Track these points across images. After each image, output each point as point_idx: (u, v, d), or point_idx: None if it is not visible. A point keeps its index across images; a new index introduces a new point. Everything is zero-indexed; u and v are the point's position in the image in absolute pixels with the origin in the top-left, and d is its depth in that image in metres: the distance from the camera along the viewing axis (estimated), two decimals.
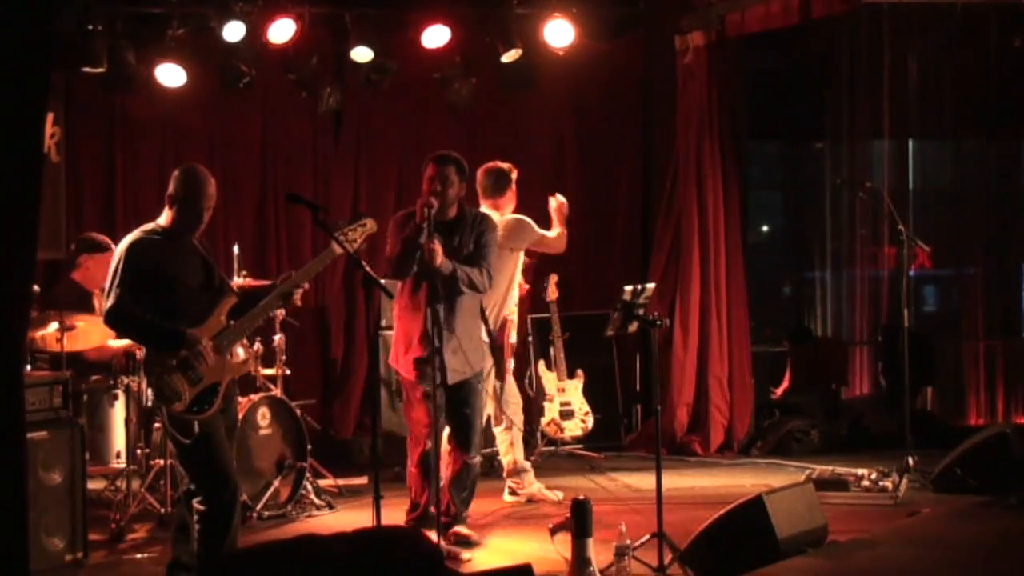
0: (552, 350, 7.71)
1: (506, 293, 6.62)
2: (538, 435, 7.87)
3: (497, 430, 6.98)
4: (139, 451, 6.54)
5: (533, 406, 7.83)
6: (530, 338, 8.43)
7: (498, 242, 6.11)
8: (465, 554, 5.74)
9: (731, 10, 8.59)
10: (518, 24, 8.35)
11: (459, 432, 5.87)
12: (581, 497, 5.04)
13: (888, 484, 6.78)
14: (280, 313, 6.65)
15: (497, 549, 5.95)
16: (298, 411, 6.90)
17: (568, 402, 7.71)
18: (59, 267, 7.91)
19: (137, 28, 7.97)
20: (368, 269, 5.12)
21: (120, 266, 4.80)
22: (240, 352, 6.09)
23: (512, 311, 6.85)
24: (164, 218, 4.94)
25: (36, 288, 5.76)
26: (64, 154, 8.20)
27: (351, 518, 6.56)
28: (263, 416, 6.68)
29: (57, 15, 7.01)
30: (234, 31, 7.81)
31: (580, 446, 8.20)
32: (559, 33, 8.38)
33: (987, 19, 9.29)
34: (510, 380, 7.03)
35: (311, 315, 8.64)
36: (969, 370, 9.90)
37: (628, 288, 7.38)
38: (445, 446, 5.95)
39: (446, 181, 5.75)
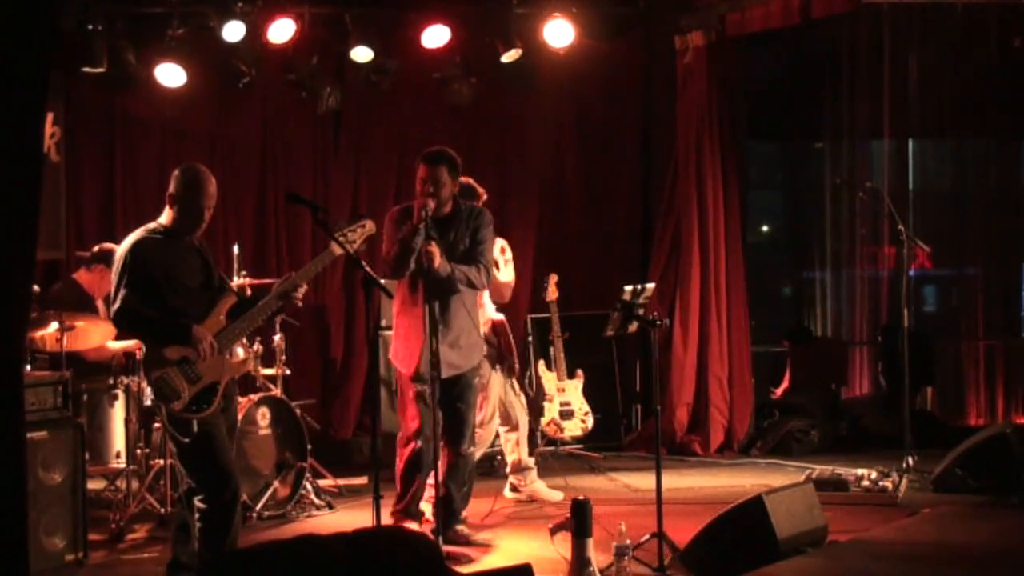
0: (552, 350, 7.71)
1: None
2: (538, 435, 7.87)
3: (502, 429, 6.98)
4: (139, 451, 6.54)
5: (533, 406, 7.82)
6: (530, 338, 8.44)
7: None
8: (463, 554, 5.74)
9: (731, 10, 8.60)
10: (518, 24, 8.35)
11: (453, 426, 5.86)
12: (581, 497, 5.04)
13: (888, 484, 6.78)
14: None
15: (497, 549, 5.95)
16: (298, 411, 6.91)
17: (568, 402, 7.71)
18: (59, 267, 7.93)
19: (137, 28, 7.96)
20: (368, 269, 5.13)
21: (125, 266, 4.80)
22: (240, 352, 6.10)
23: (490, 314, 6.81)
24: (165, 217, 4.95)
25: (36, 288, 5.76)
26: (64, 154, 8.19)
27: (351, 518, 6.56)
28: (263, 416, 6.68)
29: (57, 15, 7.01)
30: (234, 31, 7.81)
31: (580, 446, 8.20)
32: (559, 33, 8.38)
33: (987, 19, 9.29)
34: (513, 381, 7.05)
35: (311, 315, 8.64)
36: (969, 370, 9.90)
37: (628, 288, 7.38)
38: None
39: (438, 182, 5.74)
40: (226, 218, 8.36)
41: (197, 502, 4.85)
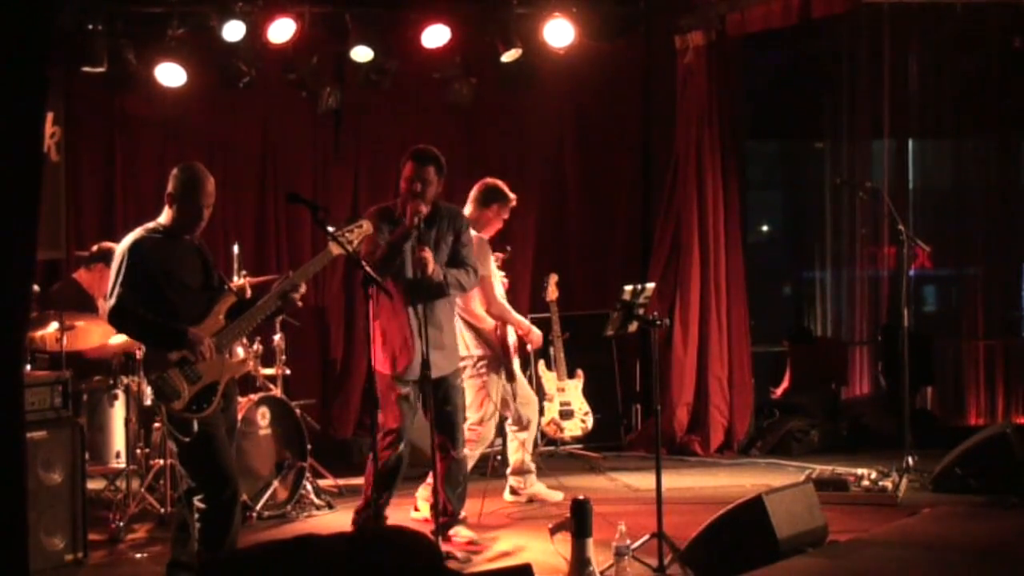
0: (552, 350, 7.70)
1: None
2: (538, 435, 7.87)
3: (512, 428, 6.97)
4: (139, 451, 6.54)
5: None
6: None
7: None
8: (462, 554, 5.74)
9: (731, 10, 8.59)
10: (518, 24, 8.35)
11: (443, 429, 5.81)
12: (581, 497, 5.04)
13: (888, 484, 6.78)
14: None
15: (497, 549, 5.95)
16: (298, 411, 6.90)
17: (568, 402, 7.70)
18: (59, 267, 7.93)
19: (137, 28, 7.96)
20: (368, 269, 5.13)
21: (123, 265, 4.80)
22: (239, 351, 6.10)
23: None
24: (164, 217, 4.95)
25: (36, 288, 5.76)
26: (64, 154, 8.19)
27: (351, 518, 6.55)
28: (263, 416, 6.68)
29: (57, 15, 7.01)
30: (234, 31, 7.81)
31: (580, 446, 8.20)
32: (559, 33, 8.38)
33: (987, 19, 9.29)
34: (524, 382, 7.03)
35: (311, 315, 8.64)
36: (969, 370, 9.90)
37: (628, 288, 7.38)
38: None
39: (426, 181, 5.72)
40: (226, 218, 8.36)
41: (197, 502, 4.85)
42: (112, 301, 4.79)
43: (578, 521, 4.96)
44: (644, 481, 7.39)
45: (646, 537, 5.27)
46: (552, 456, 8.02)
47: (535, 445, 7.78)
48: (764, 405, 9.24)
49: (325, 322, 8.91)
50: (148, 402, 6.32)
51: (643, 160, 9.58)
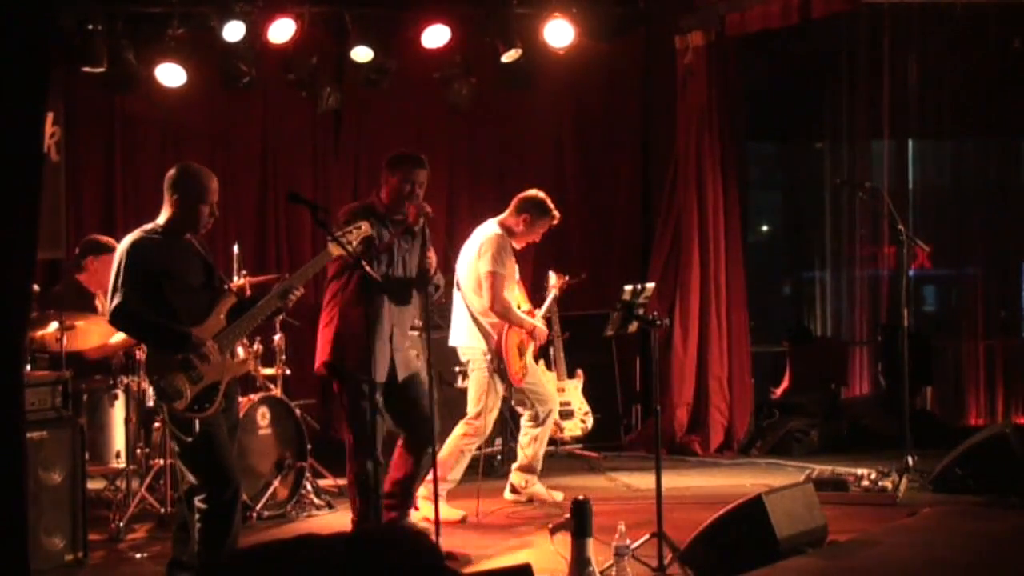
0: (552, 350, 7.70)
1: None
2: None
3: (526, 424, 6.96)
4: (139, 451, 6.54)
5: None
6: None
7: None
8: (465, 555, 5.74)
9: (731, 10, 8.59)
10: (518, 24, 8.35)
11: (420, 427, 5.77)
12: (581, 497, 5.04)
13: (888, 484, 6.78)
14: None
15: (497, 549, 5.95)
16: (298, 411, 6.90)
17: (568, 402, 7.70)
18: (59, 267, 7.92)
19: (137, 28, 7.96)
20: (368, 270, 5.14)
21: (123, 265, 4.80)
22: (240, 351, 6.10)
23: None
24: (163, 217, 4.95)
25: (36, 288, 5.76)
26: (64, 154, 8.19)
27: (351, 518, 6.55)
28: (263, 416, 6.68)
29: (57, 15, 7.01)
30: (234, 31, 7.81)
31: (580, 446, 8.20)
32: (559, 33, 8.38)
33: (987, 19, 9.28)
34: (542, 379, 7.02)
35: (311, 315, 8.61)
36: (969, 370, 9.90)
37: (628, 288, 7.38)
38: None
39: (422, 185, 5.82)
40: (226, 218, 8.35)
41: (198, 502, 4.85)
42: (114, 302, 4.79)
43: (578, 521, 4.96)
44: (644, 481, 7.39)
45: (646, 537, 5.27)
46: (552, 456, 8.01)
47: None
48: (764, 405, 9.24)
49: None
50: (150, 403, 6.33)
51: (643, 160, 9.58)
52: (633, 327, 6.81)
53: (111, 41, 7.74)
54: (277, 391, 6.91)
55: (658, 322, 5.77)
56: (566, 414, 7.68)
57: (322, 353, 5.82)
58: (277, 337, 7.00)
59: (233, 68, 8.02)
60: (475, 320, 6.66)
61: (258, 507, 6.49)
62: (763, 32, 8.58)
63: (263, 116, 8.89)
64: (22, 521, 3.22)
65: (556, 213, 6.92)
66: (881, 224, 9.84)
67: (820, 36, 9.76)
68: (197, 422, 4.75)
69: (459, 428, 6.69)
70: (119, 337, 6.49)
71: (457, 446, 6.61)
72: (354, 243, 5.15)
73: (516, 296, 6.90)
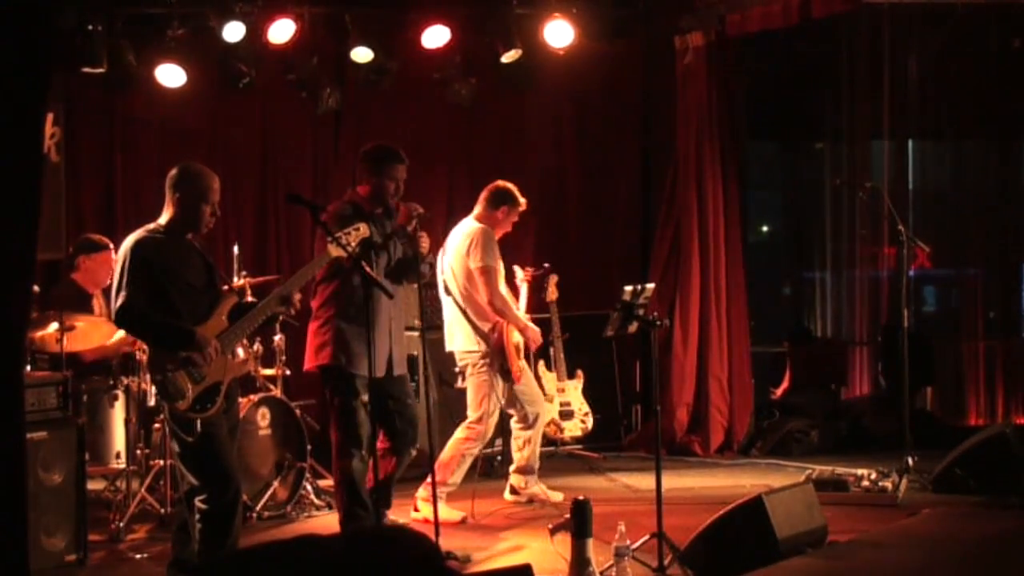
0: (552, 350, 7.70)
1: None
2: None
3: (516, 426, 6.96)
4: (139, 451, 6.54)
5: None
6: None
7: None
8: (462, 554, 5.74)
9: (731, 10, 8.60)
10: (518, 24, 8.35)
11: (406, 426, 5.81)
12: (581, 497, 5.04)
13: (888, 484, 6.78)
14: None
15: (497, 549, 5.95)
16: (298, 411, 6.90)
17: (568, 402, 7.71)
18: (59, 267, 7.92)
19: (137, 28, 7.96)
20: (368, 270, 5.14)
21: (127, 265, 4.79)
22: (240, 352, 6.10)
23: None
24: (165, 217, 4.95)
25: (36, 288, 5.76)
26: (64, 154, 8.19)
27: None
28: (263, 416, 6.68)
29: (57, 15, 7.01)
30: (234, 31, 7.81)
31: (580, 446, 8.20)
32: (559, 33, 8.38)
33: (987, 19, 9.29)
34: (532, 380, 7.02)
35: (311, 315, 8.62)
36: (969, 370, 9.90)
37: (628, 288, 7.38)
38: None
39: (404, 181, 5.87)
40: (226, 218, 8.35)
41: (198, 502, 4.84)
42: (119, 301, 4.78)
43: (578, 521, 4.96)
44: (644, 481, 7.39)
45: (646, 537, 5.27)
46: (552, 456, 8.01)
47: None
48: (764, 405, 9.24)
49: None
50: (151, 402, 6.33)
51: (643, 160, 9.58)
52: (633, 327, 6.81)
53: (111, 41, 7.74)
54: (277, 392, 6.91)
55: (658, 322, 5.78)
56: (566, 414, 7.68)
57: (320, 356, 5.79)
58: (277, 338, 7.00)
59: (233, 68, 8.02)
60: (471, 322, 6.64)
61: (258, 507, 6.49)
62: (763, 32, 8.58)
63: (263, 116, 8.89)
64: (22, 521, 3.22)
65: (523, 200, 6.89)
66: (881, 224, 9.85)
67: (820, 36, 9.76)
68: (198, 422, 4.75)
69: (460, 432, 6.68)
70: (117, 336, 6.50)
71: (459, 450, 6.61)
72: (353, 244, 5.15)
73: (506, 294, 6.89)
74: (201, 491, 4.85)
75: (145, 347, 5.79)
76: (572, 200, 9.56)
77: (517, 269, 7.39)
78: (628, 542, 5.01)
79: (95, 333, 6.55)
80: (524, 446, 6.96)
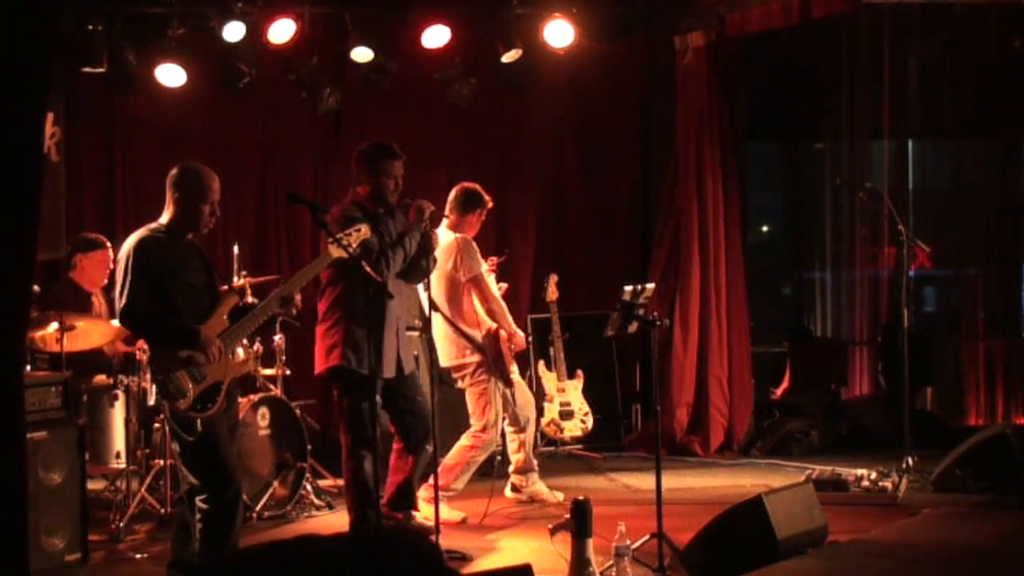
0: (552, 350, 7.71)
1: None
2: (537, 435, 7.87)
3: (509, 429, 6.97)
4: (139, 451, 6.53)
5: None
6: (530, 338, 8.43)
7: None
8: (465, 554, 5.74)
9: (731, 10, 8.60)
10: (518, 24, 8.35)
11: (418, 424, 5.81)
12: (581, 497, 5.04)
13: (888, 484, 6.78)
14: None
15: (497, 549, 5.95)
16: (298, 411, 6.90)
17: (568, 402, 7.71)
18: (59, 267, 7.92)
19: (137, 28, 7.96)
20: (369, 270, 5.13)
21: (130, 264, 4.79)
22: (240, 352, 6.10)
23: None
24: (165, 216, 4.95)
25: (36, 288, 5.76)
26: (64, 154, 8.18)
27: (349, 519, 6.55)
28: (263, 416, 6.68)
29: (57, 15, 7.00)
30: (234, 31, 7.81)
31: (580, 446, 8.20)
32: (559, 33, 8.37)
33: (987, 19, 9.29)
34: (522, 384, 7.02)
35: (311, 315, 8.61)
36: (969, 370, 9.90)
37: (628, 288, 7.37)
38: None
39: (403, 177, 5.87)
40: (226, 218, 8.33)
41: (199, 502, 4.84)
42: (123, 300, 4.79)
43: (578, 521, 4.96)
44: (644, 481, 7.39)
45: (646, 537, 5.27)
46: (552, 456, 8.02)
47: (535, 445, 7.79)
48: (764, 405, 9.24)
49: None
50: (151, 402, 6.32)
51: (643, 160, 9.58)
52: (633, 327, 6.80)
53: (111, 41, 7.74)
54: (277, 391, 6.91)
55: (658, 322, 5.78)
56: (566, 414, 7.68)
57: (330, 357, 5.75)
58: (277, 338, 7.01)
59: (233, 68, 8.02)
60: (462, 334, 6.60)
61: (258, 507, 6.49)
62: (763, 32, 8.58)
63: (263, 116, 8.88)
64: (22, 522, 3.22)
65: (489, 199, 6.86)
66: (881, 224, 9.85)
67: (820, 36, 9.76)
68: (199, 421, 4.75)
69: (465, 440, 6.66)
70: (104, 341, 6.50)
71: (464, 457, 6.59)
72: (354, 245, 5.15)
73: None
74: (201, 491, 4.84)
75: (145, 347, 5.80)
76: (572, 200, 9.56)
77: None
78: (628, 542, 5.01)
79: (95, 332, 6.55)
80: (519, 448, 6.98)
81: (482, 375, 6.61)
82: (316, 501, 6.87)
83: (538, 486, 7.02)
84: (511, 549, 5.94)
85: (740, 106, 9.12)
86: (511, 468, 7.05)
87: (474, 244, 6.69)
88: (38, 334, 6.27)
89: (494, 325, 6.64)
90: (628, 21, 8.98)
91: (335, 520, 6.59)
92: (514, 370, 6.85)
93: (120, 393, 6.53)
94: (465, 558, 5.68)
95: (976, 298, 10.09)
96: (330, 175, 9.00)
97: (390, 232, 5.77)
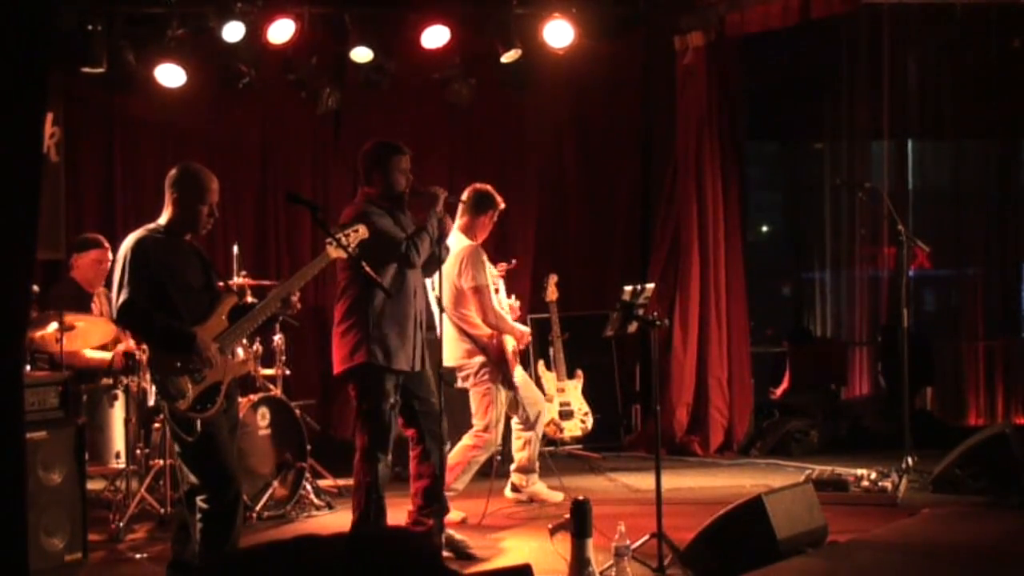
0: (552, 350, 7.70)
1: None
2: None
3: (517, 427, 6.96)
4: (139, 451, 6.53)
5: None
6: (530, 339, 8.43)
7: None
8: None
9: (731, 10, 8.60)
10: (518, 24, 8.35)
11: (435, 425, 5.74)
12: (581, 497, 5.04)
13: (888, 484, 6.78)
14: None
15: (497, 549, 5.95)
16: (298, 411, 6.90)
17: (568, 402, 7.70)
18: (59, 267, 7.93)
19: (137, 28, 7.97)
20: (369, 270, 5.13)
21: (128, 264, 4.79)
22: (239, 352, 6.10)
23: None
24: (164, 217, 4.95)
25: (36, 288, 5.76)
26: (64, 154, 8.19)
27: (351, 518, 6.55)
28: (263, 416, 6.68)
29: (57, 15, 7.01)
30: (234, 31, 7.81)
31: (580, 446, 8.20)
32: (559, 33, 8.38)
33: (987, 19, 9.29)
34: (529, 382, 7.02)
35: (311, 315, 8.64)
36: (969, 370, 9.91)
37: (628, 288, 7.37)
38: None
39: (410, 171, 5.82)
40: (226, 218, 8.35)
41: (199, 502, 4.84)
42: (121, 299, 4.78)
43: (578, 521, 4.96)
44: (644, 481, 7.39)
45: (646, 537, 5.27)
46: (552, 456, 8.01)
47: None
48: (764, 405, 9.25)
49: (325, 322, 8.89)
50: (151, 402, 6.31)
51: (643, 160, 9.59)
52: (633, 327, 6.81)
53: (111, 41, 7.74)
54: (277, 391, 6.91)
55: (658, 322, 5.78)
56: (566, 414, 7.68)
57: (355, 356, 5.61)
58: (277, 338, 7.01)
59: (233, 68, 8.03)
60: (466, 334, 6.61)
61: (258, 507, 6.48)
62: (763, 32, 8.58)
63: (263, 116, 8.89)
64: (22, 521, 3.22)
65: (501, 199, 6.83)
66: (881, 224, 9.85)
67: (820, 36, 9.76)
68: (199, 422, 4.74)
69: (467, 439, 6.66)
70: (96, 354, 6.49)
71: (465, 457, 6.59)
72: (352, 244, 5.14)
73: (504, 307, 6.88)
74: (202, 491, 4.84)
75: (145, 347, 5.79)
76: (572, 200, 9.56)
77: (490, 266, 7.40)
78: (628, 542, 5.01)
79: (95, 332, 6.55)
80: (525, 446, 6.97)
81: (485, 375, 6.62)
82: (316, 501, 6.87)
83: (538, 486, 7.02)
84: (511, 549, 5.94)
85: (740, 106, 9.13)
86: (513, 466, 7.04)
87: (483, 255, 6.65)
88: (38, 334, 6.27)
89: (487, 332, 6.61)
90: (628, 21, 8.99)
91: (335, 520, 6.59)
92: (518, 370, 6.85)
93: (120, 393, 6.53)
94: (470, 553, 5.68)
95: (976, 298, 10.10)
96: (330, 175, 9.01)
97: (406, 226, 5.73)
